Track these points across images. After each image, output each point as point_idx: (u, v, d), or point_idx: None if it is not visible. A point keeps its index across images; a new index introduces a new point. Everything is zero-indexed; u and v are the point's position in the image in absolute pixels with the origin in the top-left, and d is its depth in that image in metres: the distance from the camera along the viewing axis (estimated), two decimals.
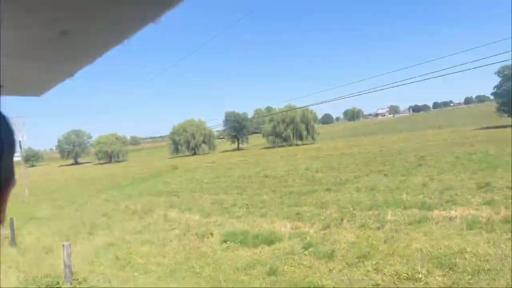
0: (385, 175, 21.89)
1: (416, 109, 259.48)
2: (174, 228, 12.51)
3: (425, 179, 18.53)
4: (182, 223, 13.27)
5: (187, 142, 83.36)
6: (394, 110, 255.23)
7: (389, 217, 10.38)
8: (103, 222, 15.66)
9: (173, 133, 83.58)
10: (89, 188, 35.33)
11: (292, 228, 10.51)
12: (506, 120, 61.70)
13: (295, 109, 71.99)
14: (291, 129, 73.53)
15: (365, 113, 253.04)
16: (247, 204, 15.69)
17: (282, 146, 73.89)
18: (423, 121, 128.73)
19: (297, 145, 74.02)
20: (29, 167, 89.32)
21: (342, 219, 10.46)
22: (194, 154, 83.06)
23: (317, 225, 10.53)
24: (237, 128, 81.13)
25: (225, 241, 9.70)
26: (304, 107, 67.16)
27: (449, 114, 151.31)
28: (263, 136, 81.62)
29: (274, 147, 73.85)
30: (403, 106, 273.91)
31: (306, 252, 8.24)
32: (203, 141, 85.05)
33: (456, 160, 25.89)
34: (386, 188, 16.53)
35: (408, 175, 20.82)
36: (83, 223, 15.81)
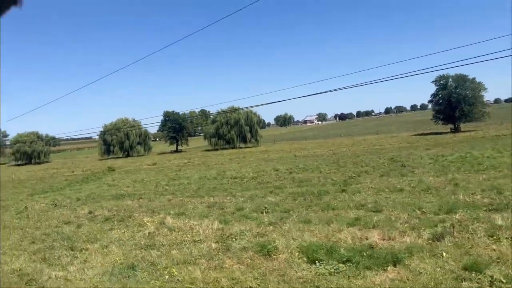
0: (381, 176, 20.14)
1: (341, 117, 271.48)
2: (200, 240, 9.03)
3: (439, 178, 17.01)
4: (200, 233, 9.87)
5: (121, 142, 76.57)
6: (322, 117, 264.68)
7: (499, 222, 8.20)
8: (74, 233, 11.59)
9: (104, 132, 76.33)
10: (15, 191, 29.43)
11: (384, 239, 7.82)
12: (434, 127, 65.58)
13: (237, 109, 69.76)
14: (235, 131, 70.70)
15: (295, 119, 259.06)
16: (265, 208, 12.65)
17: (225, 148, 70.80)
18: (353, 127, 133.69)
19: (240, 147, 71.46)
20: None
21: (453, 226, 7.97)
22: (128, 156, 76.67)
23: (413, 235, 7.95)
24: (177, 129, 76.27)
25: (315, 260, 6.60)
26: (248, 107, 65.07)
27: (374, 122, 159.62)
28: (205, 138, 77.74)
29: (217, 149, 70.41)
30: (329, 114, 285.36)
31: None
32: (138, 142, 78.91)
33: (435, 162, 25.16)
34: (412, 188, 14.57)
35: (408, 175, 19.27)
36: (46, 234, 11.62)
